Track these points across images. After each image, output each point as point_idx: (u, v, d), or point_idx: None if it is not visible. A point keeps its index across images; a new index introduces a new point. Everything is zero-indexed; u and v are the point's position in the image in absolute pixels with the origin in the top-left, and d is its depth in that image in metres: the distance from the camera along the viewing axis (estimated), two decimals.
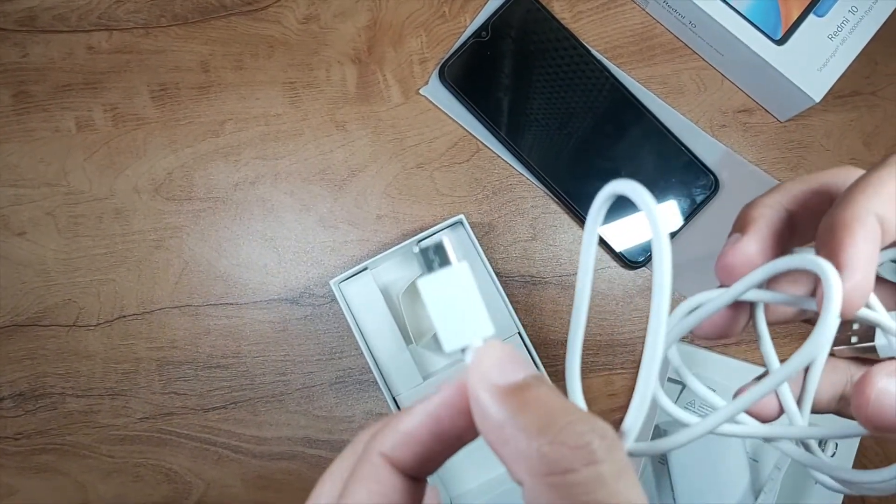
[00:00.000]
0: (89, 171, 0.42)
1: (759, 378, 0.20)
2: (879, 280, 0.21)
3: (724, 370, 0.42)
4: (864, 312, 0.18)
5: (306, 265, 0.42)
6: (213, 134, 0.42)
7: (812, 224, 0.20)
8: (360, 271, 0.40)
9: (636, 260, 0.42)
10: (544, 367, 0.41)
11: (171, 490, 0.41)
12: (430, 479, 0.18)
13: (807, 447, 0.20)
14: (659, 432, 0.41)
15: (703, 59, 0.44)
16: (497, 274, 0.42)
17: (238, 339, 0.42)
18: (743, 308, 0.21)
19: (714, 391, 0.39)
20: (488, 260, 0.40)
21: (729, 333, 0.21)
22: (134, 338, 0.42)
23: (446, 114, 0.43)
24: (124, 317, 0.42)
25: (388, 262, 0.41)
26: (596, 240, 0.17)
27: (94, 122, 0.42)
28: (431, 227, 0.41)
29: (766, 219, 0.20)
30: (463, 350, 0.16)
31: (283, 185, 0.43)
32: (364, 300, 0.40)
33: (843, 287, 0.17)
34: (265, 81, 0.43)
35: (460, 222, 0.40)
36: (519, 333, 0.39)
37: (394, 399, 0.39)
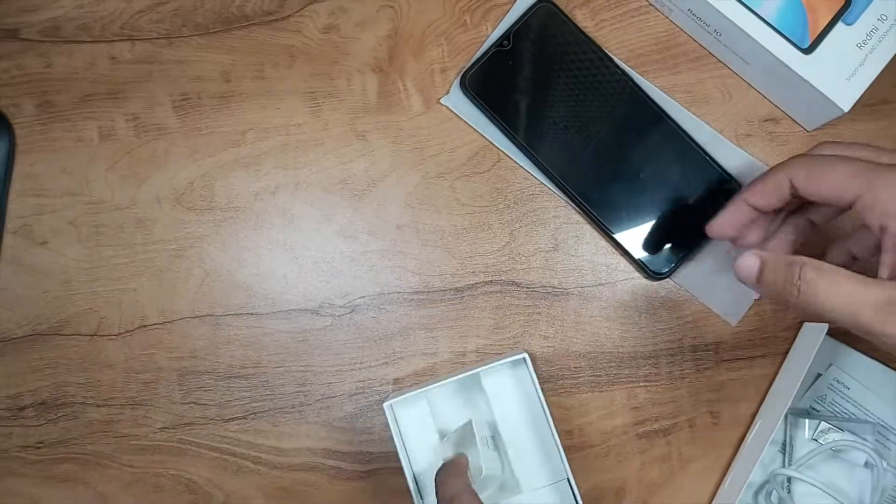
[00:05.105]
0: (111, 181, 0.42)
1: None
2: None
3: (870, 374, 0.41)
4: None
5: (326, 275, 0.42)
6: (234, 144, 0.42)
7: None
8: (417, 394, 0.39)
9: (660, 271, 0.42)
10: (568, 378, 0.41)
11: (191, 500, 0.41)
12: None
13: None
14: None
15: (729, 68, 0.43)
16: (517, 284, 0.42)
17: (258, 350, 0.42)
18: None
19: (848, 388, 0.41)
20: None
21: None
22: (154, 347, 0.42)
23: (467, 123, 0.43)
24: (145, 326, 0.42)
25: (444, 389, 0.41)
26: None
27: (116, 132, 0.42)
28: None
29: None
30: None
31: (304, 194, 0.43)
32: (416, 424, 0.40)
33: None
34: (286, 91, 0.43)
35: (523, 360, 0.39)
36: (567, 479, 0.38)
37: None
